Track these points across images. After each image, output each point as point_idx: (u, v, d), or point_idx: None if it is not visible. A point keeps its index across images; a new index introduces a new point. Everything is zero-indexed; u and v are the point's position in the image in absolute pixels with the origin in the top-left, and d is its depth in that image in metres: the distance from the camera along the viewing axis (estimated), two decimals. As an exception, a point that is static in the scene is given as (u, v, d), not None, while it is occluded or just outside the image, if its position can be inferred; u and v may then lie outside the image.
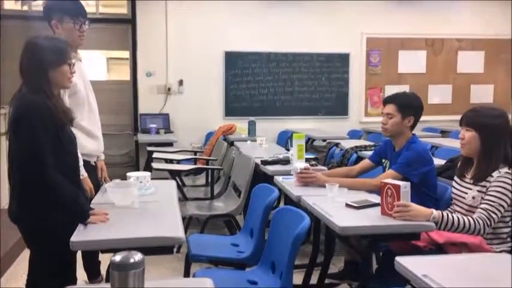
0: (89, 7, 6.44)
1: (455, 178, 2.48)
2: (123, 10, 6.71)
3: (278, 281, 2.31)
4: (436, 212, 2.16)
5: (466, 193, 2.35)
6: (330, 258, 2.77)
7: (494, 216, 2.17)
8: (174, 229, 2.02)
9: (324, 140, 5.87)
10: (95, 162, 2.85)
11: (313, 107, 7.15)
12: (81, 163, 2.50)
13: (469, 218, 2.19)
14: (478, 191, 2.30)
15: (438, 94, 7.46)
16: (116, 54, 7.36)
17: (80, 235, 1.93)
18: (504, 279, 1.52)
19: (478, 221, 2.16)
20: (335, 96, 7.20)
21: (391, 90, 7.14)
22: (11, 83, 2.22)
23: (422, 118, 3.00)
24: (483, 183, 2.28)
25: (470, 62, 7.49)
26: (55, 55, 2.09)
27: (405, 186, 2.19)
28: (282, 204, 3.75)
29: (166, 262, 3.81)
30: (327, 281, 3.09)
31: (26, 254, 2.54)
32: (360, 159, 4.50)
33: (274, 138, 6.78)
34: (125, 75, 6.89)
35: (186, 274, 2.78)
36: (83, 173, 2.52)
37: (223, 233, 4.18)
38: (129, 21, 6.60)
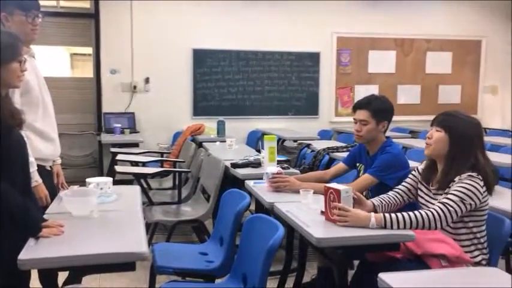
0: (50, 0, 6.14)
1: (420, 185, 2.40)
2: (86, 4, 6.42)
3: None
4: (374, 217, 2.05)
5: (433, 203, 2.26)
6: (304, 266, 2.65)
7: (451, 209, 2.07)
8: (136, 243, 1.84)
9: (295, 141, 5.77)
10: (50, 166, 2.63)
11: (284, 106, 7.05)
12: (34, 168, 2.29)
13: (421, 212, 2.09)
14: None
15: (407, 94, 7.49)
16: (80, 50, 7.04)
17: (30, 252, 1.72)
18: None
19: (433, 213, 2.07)
20: (305, 95, 7.11)
21: (361, 90, 7.14)
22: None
23: (391, 118, 2.93)
24: (447, 190, 2.19)
25: (439, 62, 7.55)
26: (3, 51, 1.88)
27: (346, 191, 2.13)
28: (253, 208, 3.61)
29: (131, 272, 3.60)
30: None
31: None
32: (332, 160, 4.41)
33: (244, 138, 6.65)
34: (89, 72, 6.60)
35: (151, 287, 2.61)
36: (37, 179, 2.30)
37: (192, 238, 4.01)
38: (92, 16, 6.32)
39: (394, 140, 4.70)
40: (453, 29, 7.46)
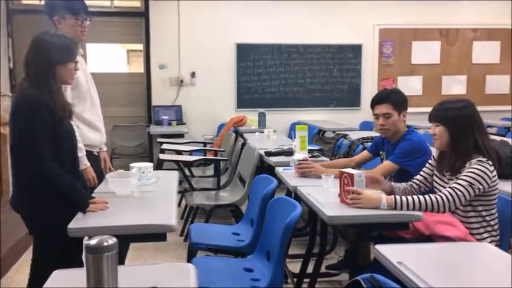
0: (104, 1, 6.57)
1: (436, 172, 2.51)
2: (137, 3, 6.81)
3: (273, 268, 2.37)
4: (385, 199, 2.20)
5: (445, 188, 2.37)
6: (325, 247, 2.83)
7: (459, 193, 2.18)
8: (167, 217, 2.10)
9: (334, 132, 5.90)
10: (98, 152, 2.95)
11: (325, 98, 7.17)
12: (83, 153, 2.60)
13: (430, 195, 2.22)
14: None
15: (452, 85, 7.40)
16: (135, 47, 7.44)
17: (78, 222, 2.02)
18: (475, 267, 1.55)
19: (441, 197, 2.19)
20: (347, 87, 7.20)
21: (404, 81, 7.15)
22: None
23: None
24: (458, 175, 2.29)
25: (486, 52, 7.39)
26: (64, 52, 2.17)
27: (359, 175, 2.27)
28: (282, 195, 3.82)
29: (173, 250, 3.93)
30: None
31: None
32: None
33: (286, 129, 6.83)
34: (142, 67, 7.01)
35: (189, 262, 2.87)
36: (86, 162, 2.61)
37: (231, 222, 4.26)
38: (143, 15, 6.71)
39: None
40: (501, 18, 7.26)
